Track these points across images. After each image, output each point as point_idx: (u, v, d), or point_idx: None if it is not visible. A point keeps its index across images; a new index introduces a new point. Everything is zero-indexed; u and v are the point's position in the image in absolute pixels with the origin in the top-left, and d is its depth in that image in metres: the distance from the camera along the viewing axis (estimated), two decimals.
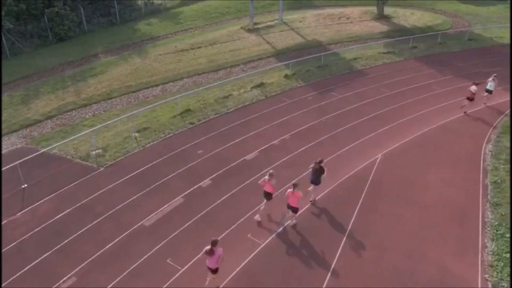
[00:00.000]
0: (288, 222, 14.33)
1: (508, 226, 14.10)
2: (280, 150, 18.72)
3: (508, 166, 17.27)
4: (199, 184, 16.47)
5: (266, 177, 13.98)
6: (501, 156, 18.06)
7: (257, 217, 14.43)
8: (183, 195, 15.83)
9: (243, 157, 18.26)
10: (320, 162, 14.56)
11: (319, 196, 15.69)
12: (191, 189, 16.16)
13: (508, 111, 22.39)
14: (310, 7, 41.80)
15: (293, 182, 13.91)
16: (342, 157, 18.30)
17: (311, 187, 15.15)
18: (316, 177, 14.67)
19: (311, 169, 14.83)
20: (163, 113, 22.06)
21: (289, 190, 13.57)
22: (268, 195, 14.16)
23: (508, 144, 18.80)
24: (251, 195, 15.67)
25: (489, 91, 22.38)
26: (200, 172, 17.22)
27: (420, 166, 17.59)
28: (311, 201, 15.37)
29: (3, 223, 14.45)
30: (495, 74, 22.78)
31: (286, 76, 26.50)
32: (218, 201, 15.53)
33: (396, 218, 14.71)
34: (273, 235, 13.97)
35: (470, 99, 21.42)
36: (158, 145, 19.19)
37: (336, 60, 29.15)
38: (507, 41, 33.60)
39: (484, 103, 22.92)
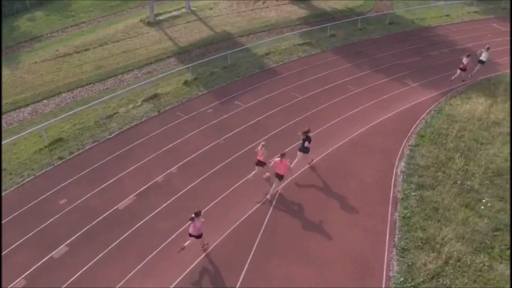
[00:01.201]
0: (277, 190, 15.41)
1: (417, 281, 12.07)
2: (162, 192, 15.59)
3: (420, 192, 15.27)
4: (51, 254, 13.10)
5: (259, 147, 15.29)
6: (412, 178, 16.00)
7: (250, 176, 15.44)
8: (25, 275, 12.43)
9: (115, 205, 14.98)
10: (307, 132, 15.84)
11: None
12: (38, 263, 12.77)
13: (430, 109, 20.54)
14: None
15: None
16: (233, 196, 15.48)
17: (299, 155, 16.22)
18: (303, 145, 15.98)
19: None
20: (27, 146, 18.09)
21: (277, 159, 14.60)
22: (261, 163, 15.39)
23: (422, 162, 16.81)
24: (118, 265, 12.58)
25: (482, 62, 22.94)
26: (57, 234, 13.79)
27: (323, 202, 15.14)
28: (308, 163, 16.91)
29: None
30: (488, 46, 23.35)
31: (185, 82, 23.02)
32: (72, 278, 12.33)
33: (288, 281, 12.24)
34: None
35: (463, 69, 22.44)
36: (9, 197, 15.40)
37: (246, 57, 25.93)
38: (429, 23, 31.84)
39: (470, 75, 23.11)
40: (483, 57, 22.88)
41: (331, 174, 16.50)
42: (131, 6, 33.97)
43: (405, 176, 16.14)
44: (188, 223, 12.64)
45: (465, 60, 22.26)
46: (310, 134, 16.00)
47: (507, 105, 20.28)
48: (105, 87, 22.81)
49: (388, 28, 30.65)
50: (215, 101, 21.49)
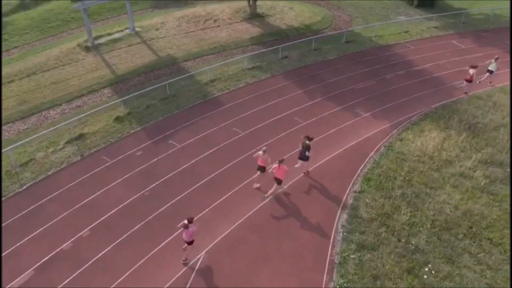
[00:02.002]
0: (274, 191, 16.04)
1: None
2: (67, 264, 13.49)
3: (360, 254, 13.57)
4: None
5: (260, 152, 16.04)
6: (353, 236, 14.31)
7: (255, 185, 16.49)
8: None
9: (7, 284, 12.81)
10: (310, 139, 16.66)
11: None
12: None
13: (380, 145, 18.99)
14: (179, 5, 35.77)
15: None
16: (149, 265, 13.50)
17: (299, 163, 16.97)
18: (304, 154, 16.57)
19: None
20: None
21: (275, 165, 15.46)
22: (262, 169, 16.12)
23: (366, 214, 15.15)
24: None
25: (490, 71, 23.42)
26: None
27: (249, 272, 13.30)
28: (304, 173, 17.35)
29: None
30: (497, 56, 23.71)
31: (117, 118, 20.92)
32: None
33: None
34: None
35: (469, 81, 22.69)
36: None
37: (189, 85, 23.95)
38: (387, 40, 30.48)
39: (490, 82, 23.95)
40: (492, 67, 23.45)
41: (265, 233, 14.67)
42: (72, 27, 31.65)
43: (345, 233, 14.42)
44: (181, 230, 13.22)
45: (471, 71, 22.59)
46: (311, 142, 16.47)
47: (461, 139, 18.85)
48: (25, 127, 20.50)
49: (344, 48, 29.09)
50: (147, 141, 19.46)
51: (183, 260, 13.60)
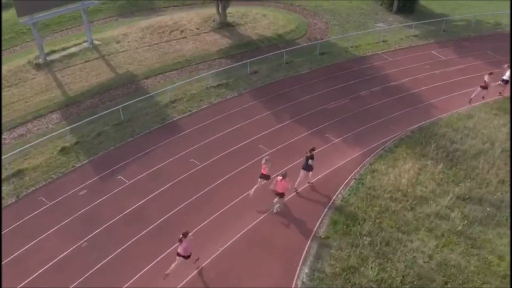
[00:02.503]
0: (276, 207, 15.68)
1: None
2: None
3: None
4: None
5: (263, 161, 15.60)
6: None
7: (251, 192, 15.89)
8: None
9: None
10: (312, 150, 16.17)
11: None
12: None
13: (350, 177, 17.32)
14: (147, 13, 33.64)
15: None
16: None
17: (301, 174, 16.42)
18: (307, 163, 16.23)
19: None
20: None
21: (278, 178, 14.87)
22: (265, 177, 15.78)
23: (329, 269, 13.41)
24: None
25: (505, 81, 22.63)
26: None
27: None
28: (309, 182, 17.06)
29: None
30: (507, 65, 22.86)
31: (63, 150, 18.92)
32: None
33: None
34: None
35: (484, 87, 22.14)
36: None
37: (146, 108, 21.97)
38: (364, 51, 28.75)
39: (500, 93, 23.22)
40: (506, 76, 22.71)
41: None
42: (27, 40, 29.32)
43: None
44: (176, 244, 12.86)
45: (486, 78, 22.12)
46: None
47: (437, 170, 17.23)
48: None
49: (318, 60, 27.29)
50: (93, 177, 17.51)
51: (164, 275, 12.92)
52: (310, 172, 16.62)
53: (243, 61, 26.22)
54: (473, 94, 22.42)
